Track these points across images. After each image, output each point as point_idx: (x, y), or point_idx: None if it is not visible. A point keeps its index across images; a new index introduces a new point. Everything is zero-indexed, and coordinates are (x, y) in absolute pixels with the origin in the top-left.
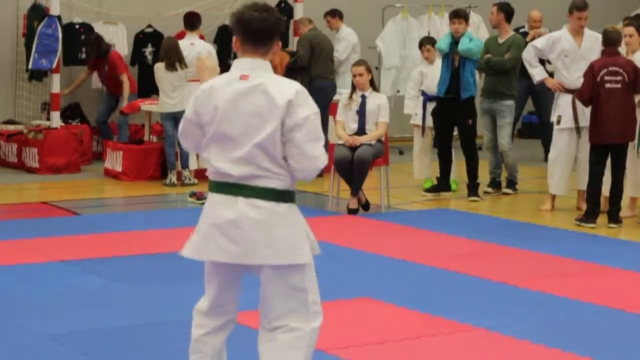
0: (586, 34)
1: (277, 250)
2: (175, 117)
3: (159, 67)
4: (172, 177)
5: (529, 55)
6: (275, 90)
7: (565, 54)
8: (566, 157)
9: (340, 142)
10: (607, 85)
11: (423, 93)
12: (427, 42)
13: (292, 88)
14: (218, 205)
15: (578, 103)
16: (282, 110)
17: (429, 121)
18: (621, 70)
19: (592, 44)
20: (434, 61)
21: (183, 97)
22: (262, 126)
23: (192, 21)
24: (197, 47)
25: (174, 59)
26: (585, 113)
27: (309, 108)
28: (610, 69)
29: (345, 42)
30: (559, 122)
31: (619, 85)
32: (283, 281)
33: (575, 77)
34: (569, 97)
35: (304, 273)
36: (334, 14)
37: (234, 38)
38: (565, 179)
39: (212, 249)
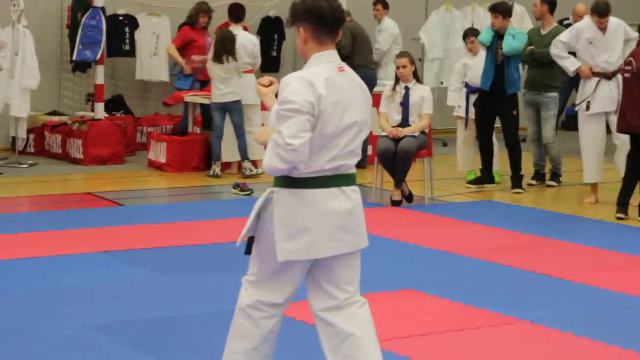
0: (609, 21)
1: (365, 232)
2: (224, 108)
3: (209, 58)
4: (216, 169)
5: (556, 49)
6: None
7: (590, 41)
8: (597, 144)
9: (384, 133)
10: (624, 75)
11: (466, 85)
12: (470, 34)
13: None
14: (324, 198)
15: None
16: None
17: (472, 113)
18: (632, 60)
19: (615, 29)
20: (477, 53)
21: (234, 88)
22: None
23: (236, 13)
24: (241, 39)
25: (221, 51)
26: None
27: None
28: (627, 59)
29: (387, 33)
30: (588, 107)
31: (628, 75)
32: (357, 262)
33: (601, 61)
34: (596, 82)
35: None
36: (384, 5)
37: (300, 29)
38: (597, 166)
39: (334, 244)
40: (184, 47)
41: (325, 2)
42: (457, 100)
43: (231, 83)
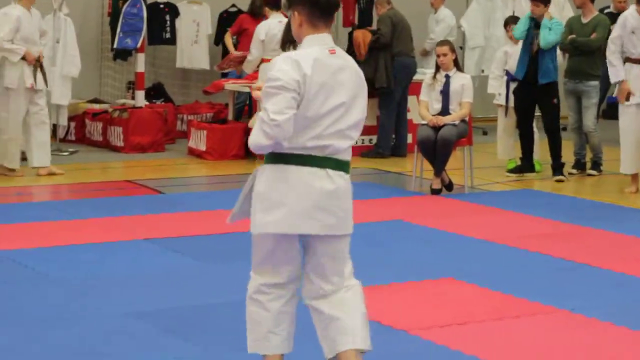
0: None
1: (350, 219)
2: None
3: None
4: None
5: (608, 52)
6: (357, 67)
7: (632, 30)
8: (635, 134)
9: (424, 122)
10: None
11: (507, 73)
12: (511, 22)
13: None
14: (305, 176)
15: None
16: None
17: (513, 101)
18: None
19: None
20: (518, 41)
21: None
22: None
23: (273, 1)
24: (281, 27)
25: (286, 40)
26: None
27: None
28: None
29: (444, 24)
30: (627, 98)
31: None
32: (342, 253)
33: None
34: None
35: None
36: None
37: (294, 13)
38: (633, 156)
39: (310, 222)
40: (239, 35)
41: None
42: (497, 88)
43: None
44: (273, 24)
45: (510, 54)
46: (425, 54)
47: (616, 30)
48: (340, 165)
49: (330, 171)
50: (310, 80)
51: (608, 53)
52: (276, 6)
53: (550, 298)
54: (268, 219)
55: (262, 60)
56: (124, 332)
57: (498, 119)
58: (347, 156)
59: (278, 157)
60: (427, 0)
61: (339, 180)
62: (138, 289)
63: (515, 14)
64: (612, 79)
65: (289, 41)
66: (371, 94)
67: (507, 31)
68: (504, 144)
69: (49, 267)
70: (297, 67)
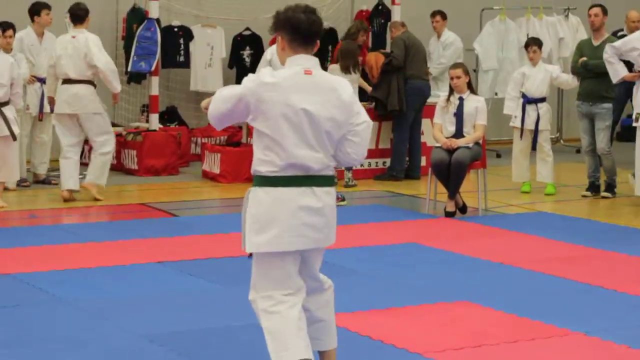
0: None
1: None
2: None
3: (334, 69)
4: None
5: (606, 54)
6: (340, 87)
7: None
8: None
9: (438, 144)
10: None
11: (523, 95)
12: (533, 43)
13: (344, 80)
14: (293, 196)
15: None
16: (348, 106)
17: (528, 123)
18: None
19: None
20: (537, 63)
21: None
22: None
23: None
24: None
25: (349, 62)
26: None
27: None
28: None
29: (454, 47)
30: (637, 119)
31: None
32: (322, 254)
33: None
34: None
35: None
36: (443, 16)
37: (278, 37)
38: None
39: (300, 239)
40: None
41: (303, 15)
42: (513, 109)
43: (355, 93)
44: None
45: (527, 76)
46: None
47: (618, 42)
48: (325, 182)
49: (316, 189)
50: (270, 89)
51: (605, 56)
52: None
53: (565, 321)
54: (261, 240)
55: None
56: (139, 355)
57: (514, 141)
58: (329, 171)
59: (268, 180)
60: (448, 21)
61: (325, 197)
62: (152, 312)
63: (530, 37)
64: (613, 79)
65: (352, 64)
66: (384, 117)
67: (528, 52)
68: (519, 167)
69: (64, 290)
70: (256, 79)
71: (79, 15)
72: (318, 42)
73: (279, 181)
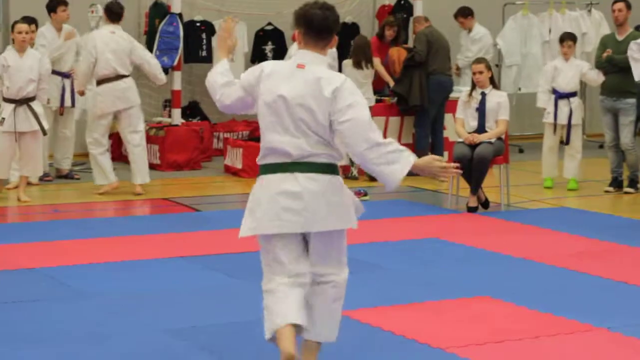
0: None
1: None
2: None
3: (347, 64)
4: (354, 171)
5: (630, 50)
6: (326, 82)
7: None
8: None
9: (460, 140)
10: None
11: (554, 91)
12: (569, 38)
13: (339, 78)
14: (274, 183)
15: None
16: (329, 101)
17: (561, 118)
18: None
19: None
20: (570, 58)
21: (370, 94)
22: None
23: None
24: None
25: (361, 58)
26: None
27: (351, 96)
28: None
29: (481, 43)
30: None
31: None
32: (325, 246)
33: None
34: None
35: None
36: (465, 14)
37: (296, 31)
38: None
39: (277, 223)
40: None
41: (319, 11)
42: (546, 102)
43: (368, 89)
44: None
45: (559, 70)
46: (458, 70)
47: None
48: (311, 168)
49: (299, 174)
50: (265, 77)
51: (630, 52)
52: None
53: (588, 316)
54: (246, 225)
55: None
56: (161, 349)
57: (545, 136)
58: (319, 157)
59: (260, 168)
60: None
61: (305, 183)
62: (174, 307)
63: (552, 32)
64: (636, 76)
65: (364, 59)
66: (406, 112)
67: (562, 46)
68: (551, 162)
69: (86, 285)
70: (257, 70)
71: (117, 13)
72: (334, 38)
73: (267, 169)
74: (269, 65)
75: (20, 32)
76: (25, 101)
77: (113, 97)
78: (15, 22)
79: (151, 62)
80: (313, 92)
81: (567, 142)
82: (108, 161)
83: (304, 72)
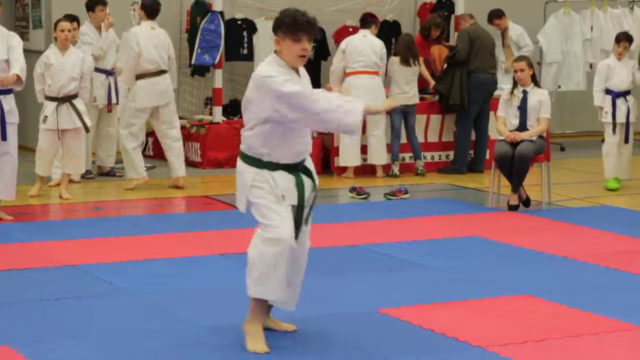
0: None
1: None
2: (403, 111)
3: (394, 61)
4: (395, 169)
5: None
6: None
7: None
8: None
9: (501, 138)
10: None
11: (608, 90)
12: (625, 40)
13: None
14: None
15: None
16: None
17: (619, 117)
18: None
19: None
20: (621, 58)
21: (416, 91)
22: None
23: (364, 19)
24: (370, 40)
25: (409, 55)
26: None
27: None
28: None
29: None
30: None
31: None
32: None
33: None
34: None
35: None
36: (498, 15)
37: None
38: None
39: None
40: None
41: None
42: (602, 100)
43: (414, 86)
44: (357, 38)
45: (613, 69)
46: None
47: None
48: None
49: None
50: None
51: None
52: (365, 25)
53: (629, 315)
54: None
55: (346, 75)
56: (200, 346)
57: (605, 136)
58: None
59: None
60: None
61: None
62: (214, 304)
63: (594, 30)
64: None
65: (412, 56)
66: (447, 110)
67: (618, 46)
68: (613, 162)
69: (127, 282)
70: None
71: (155, 9)
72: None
73: None
74: None
75: (62, 30)
76: (68, 99)
77: (155, 92)
78: (58, 21)
79: (174, 59)
80: (252, 87)
81: (627, 141)
82: (140, 156)
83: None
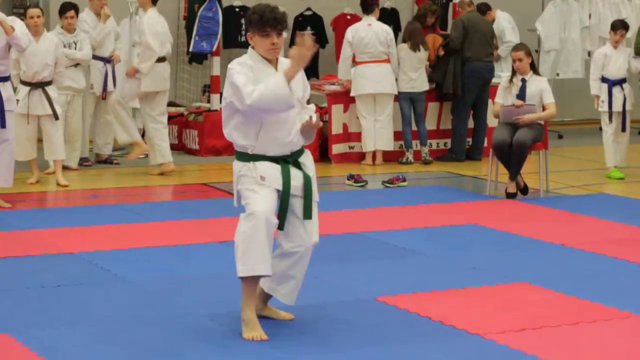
0: None
1: None
2: (412, 98)
3: (402, 48)
4: (409, 156)
5: None
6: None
7: None
8: None
9: (498, 123)
10: None
11: (604, 79)
12: (623, 27)
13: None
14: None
15: None
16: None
17: (616, 106)
18: None
19: None
20: (618, 46)
21: (424, 78)
22: None
23: (366, 4)
24: (374, 28)
25: (418, 40)
26: None
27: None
28: None
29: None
30: None
31: None
32: None
33: None
34: None
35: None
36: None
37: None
38: None
39: None
40: None
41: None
42: (598, 90)
43: (422, 72)
44: (362, 28)
45: (609, 57)
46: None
47: None
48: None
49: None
50: None
51: None
52: (367, 10)
53: (627, 303)
54: None
55: (356, 63)
56: (199, 334)
57: (602, 125)
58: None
59: None
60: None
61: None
62: (213, 292)
63: (592, 18)
64: None
65: (421, 42)
66: (443, 98)
67: (615, 34)
68: (612, 150)
69: (125, 269)
70: None
71: None
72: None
73: None
74: None
75: (32, 17)
76: (41, 85)
77: (161, 78)
78: (27, 8)
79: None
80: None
81: (624, 129)
82: (167, 139)
83: None
